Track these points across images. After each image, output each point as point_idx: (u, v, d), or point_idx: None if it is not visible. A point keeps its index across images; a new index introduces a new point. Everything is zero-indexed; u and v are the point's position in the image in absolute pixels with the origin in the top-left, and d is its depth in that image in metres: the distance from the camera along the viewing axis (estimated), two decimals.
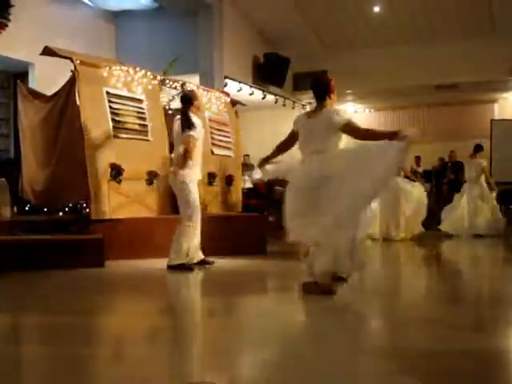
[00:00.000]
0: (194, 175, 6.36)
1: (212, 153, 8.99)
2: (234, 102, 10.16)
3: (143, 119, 7.87)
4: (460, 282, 6.18)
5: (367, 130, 4.88)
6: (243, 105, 10.58)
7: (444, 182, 13.77)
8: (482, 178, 11.20)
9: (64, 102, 8.01)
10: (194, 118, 6.36)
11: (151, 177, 7.67)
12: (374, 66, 14.37)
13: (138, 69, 8.03)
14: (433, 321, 3.97)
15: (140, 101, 7.89)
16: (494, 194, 11.32)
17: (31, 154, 8.63)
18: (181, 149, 6.27)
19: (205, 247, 6.73)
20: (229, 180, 9.26)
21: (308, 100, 15.21)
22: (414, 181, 10.57)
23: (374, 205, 8.29)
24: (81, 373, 2.95)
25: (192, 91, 6.92)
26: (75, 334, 3.67)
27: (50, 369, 3.00)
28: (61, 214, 7.89)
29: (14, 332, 4.03)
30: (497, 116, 16.67)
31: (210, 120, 9.05)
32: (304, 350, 3.28)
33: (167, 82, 8.55)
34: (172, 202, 8.06)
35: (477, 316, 4.26)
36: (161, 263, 6.71)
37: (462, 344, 3.30)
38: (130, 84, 7.82)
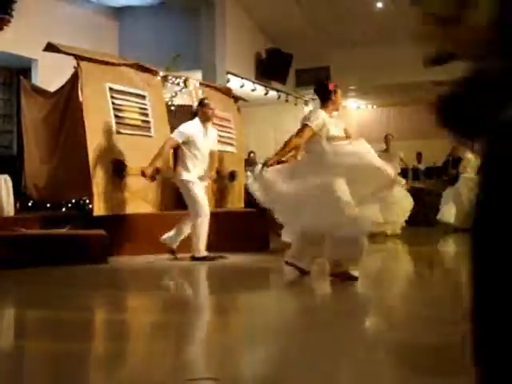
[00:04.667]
0: (192, 176, 6.67)
1: None
2: (236, 98, 10.16)
3: (146, 115, 7.88)
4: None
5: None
6: (245, 101, 10.58)
7: (445, 178, 13.68)
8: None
9: (67, 98, 8.02)
10: (189, 124, 6.79)
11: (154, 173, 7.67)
12: (376, 62, 14.33)
13: (140, 65, 8.05)
14: (434, 317, 3.98)
15: (143, 97, 7.90)
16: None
17: (34, 150, 8.65)
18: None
19: (208, 243, 6.74)
20: (231, 176, 9.26)
21: (310, 96, 15.18)
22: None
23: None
24: (83, 368, 2.97)
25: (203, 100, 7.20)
26: (78, 329, 3.69)
27: (52, 364, 3.01)
28: (64, 209, 7.91)
29: (17, 327, 4.05)
30: None
31: None
32: (305, 346, 3.30)
33: (170, 78, 8.54)
34: (175, 198, 8.08)
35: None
36: (163, 259, 6.73)
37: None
38: (133, 80, 7.83)
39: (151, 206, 7.73)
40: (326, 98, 5.42)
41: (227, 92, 10.02)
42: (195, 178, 6.67)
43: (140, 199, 7.54)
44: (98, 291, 5.14)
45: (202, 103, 6.94)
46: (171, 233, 6.85)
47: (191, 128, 6.76)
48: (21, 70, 10.55)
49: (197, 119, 6.83)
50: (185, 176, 6.68)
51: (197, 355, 3.23)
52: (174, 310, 4.46)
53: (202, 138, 6.75)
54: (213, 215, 7.73)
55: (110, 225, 6.96)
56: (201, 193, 6.71)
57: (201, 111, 6.83)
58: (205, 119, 6.81)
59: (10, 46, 9.78)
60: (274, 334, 3.55)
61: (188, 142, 6.68)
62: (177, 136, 6.72)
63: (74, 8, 11.37)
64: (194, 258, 6.64)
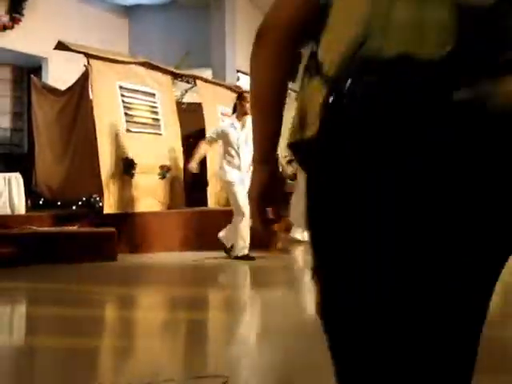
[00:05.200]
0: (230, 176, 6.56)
1: None
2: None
3: (156, 113, 7.90)
4: None
5: None
6: None
7: None
8: None
9: (78, 96, 8.05)
10: (225, 121, 7.00)
11: (164, 171, 7.70)
12: None
13: (150, 63, 8.06)
14: None
15: (153, 95, 7.92)
16: None
17: (46, 149, 8.68)
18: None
19: (216, 241, 6.74)
20: None
21: None
22: None
23: None
24: (94, 363, 2.98)
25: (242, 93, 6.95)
26: (87, 326, 3.70)
27: (62, 359, 3.03)
28: (74, 207, 7.93)
29: (28, 324, 4.08)
30: None
31: (222, 114, 9.06)
32: (317, 345, 3.29)
33: (180, 76, 8.56)
34: (184, 197, 8.10)
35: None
36: (173, 257, 6.74)
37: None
38: (143, 78, 7.84)
39: (161, 204, 7.74)
40: None
41: (237, 90, 10.02)
42: (233, 177, 6.51)
43: (150, 197, 7.56)
44: (107, 288, 5.16)
45: (240, 96, 6.74)
46: (225, 232, 6.74)
47: (224, 124, 6.80)
48: (31, 68, 10.59)
49: (233, 116, 6.75)
50: (222, 176, 6.70)
51: (206, 352, 3.23)
52: (184, 307, 4.47)
53: (237, 133, 6.57)
54: (221, 213, 7.76)
55: (120, 222, 6.99)
56: (241, 192, 6.36)
57: (239, 105, 6.65)
58: (243, 113, 6.59)
59: (21, 45, 9.82)
60: (285, 333, 3.54)
61: (223, 140, 6.66)
62: (210, 132, 6.86)
63: (84, 6, 11.40)
64: (236, 257, 6.49)
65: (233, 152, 6.59)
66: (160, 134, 7.88)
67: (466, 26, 0.88)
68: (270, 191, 1.18)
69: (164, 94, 8.11)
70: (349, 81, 0.90)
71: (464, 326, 0.86)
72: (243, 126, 6.62)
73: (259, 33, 1.16)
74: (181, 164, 8.05)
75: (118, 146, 7.20)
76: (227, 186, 6.65)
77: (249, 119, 6.58)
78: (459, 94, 0.85)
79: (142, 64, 7.96)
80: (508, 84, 0.85)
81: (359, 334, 0.86)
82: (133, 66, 7.82)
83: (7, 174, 7.40)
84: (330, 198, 0.90)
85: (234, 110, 6.82)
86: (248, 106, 6.52)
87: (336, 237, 0.89)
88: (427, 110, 0.85)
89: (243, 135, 6.58)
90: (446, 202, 0.83)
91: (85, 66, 7.40)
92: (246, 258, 6.49)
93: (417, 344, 0.83)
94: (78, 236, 6.66)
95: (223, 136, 6.64)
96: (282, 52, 1.16)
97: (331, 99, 0.92)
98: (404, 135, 0.85)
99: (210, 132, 6.94)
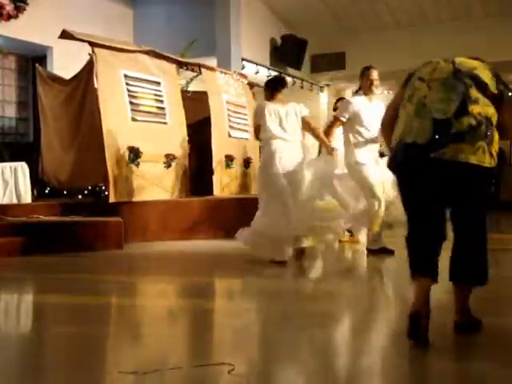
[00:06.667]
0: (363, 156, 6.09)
1: (229, 135, 8.99)
2: (251, 85, 10.13)
3: (161, 102, 7.88)
4: None
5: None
6: (260, 87, 10.53)
7: None
8: None
9: (83, 85, 8.03)
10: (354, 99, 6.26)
11: (169, 160, 7.70)
12: (392, 47, 14.20)
13: (155, 51, 8.04)
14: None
15: (158, 83, 7.90)
16: None
17: (52, 137, 8.68)
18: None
19: (221, 229, 6.73)
20: (246, 162, 9.26)
21: (326, 82, 15.09)
22: None
23: None
24: (101, 350, 3.00)
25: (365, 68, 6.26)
26: (93, 314, 3.72)
27: (70, 347, 3.04)
28: (80, 196, 7.95)
29: (35, 312, 4.09)
30: None
31: (227, 102, 9.04)
32: (324, 332, 3.30)
33: (184, 64, 8.53)
34: (190, 185, 8.10)
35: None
36: (178, 245, 6.75)
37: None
38: (148, 67, 7.82)
39: (166, 193, 7.74)
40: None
41: (242, 79, 9.99)
42: (363, 158, 6.01)
43: (155, 186, 7.56)
44: (113, 277, 5.17)
45: (363, 72, 6.12)
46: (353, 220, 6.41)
47: (354, 102, 6.09)
48: (36, 57, 10.58)
49: (359, 93, 6.20)
50: (350, 158, 6.09)
51: (213, 340, 3.24)
52: (190, 296, 4.48)
53: (367, 111, 6.02)
54: (227, 201, 7.75)
55: (126, 211, 7.00)
56: (373, 174, 5.97)
57: (365, 81, 6.07)
58: (368, 88, 6.08)
59: (26, 34, 9.80)
60: (290, 320, 3.54)
61: (354, 119, 6.02)
62: (341, 112, 6.08)
63: None
64: (369, 251, 6.14)
65: (362, 130, 6.01)
66: (165, 123, 7.86)
67: (436, 128, 2.97)
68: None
69: (169, 82, 8.09)
70: (398, 149, 3.15)
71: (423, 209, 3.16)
72: (370, 101, 6.12)
73: (381, 121, 3.50)
74: (186, 153, 8.04)
75: (123, 135, 7.19)
76: (357, 168, 6.03)
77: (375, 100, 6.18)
78: (432, 154, 2.95)
79: (147, 52, 7.94)
80: (448, 151, 2.92)
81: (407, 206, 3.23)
82: (138, 54, 7.80)
83: (13, 163, 7.41)
84: (398, 183, 3.26)
85: (357, 90, 6.29)
86: (374, 82, 6.06)
87: (402, 193, 3.25)
88: (421, 160, 3.02)
89: (373, 111, 5.96)
90: (419, 183, 3.11)
91: (89, 54, 7.38)
92: (384, 251, 6.04)
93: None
94: (84, 225, 6.67)
95: (355, 115, 6.01)
96: (388, 129, 3.32)
97: (392, 155, 3.22)
98: (412, 167, 3.10)
99: (340, 112, 6.12)
